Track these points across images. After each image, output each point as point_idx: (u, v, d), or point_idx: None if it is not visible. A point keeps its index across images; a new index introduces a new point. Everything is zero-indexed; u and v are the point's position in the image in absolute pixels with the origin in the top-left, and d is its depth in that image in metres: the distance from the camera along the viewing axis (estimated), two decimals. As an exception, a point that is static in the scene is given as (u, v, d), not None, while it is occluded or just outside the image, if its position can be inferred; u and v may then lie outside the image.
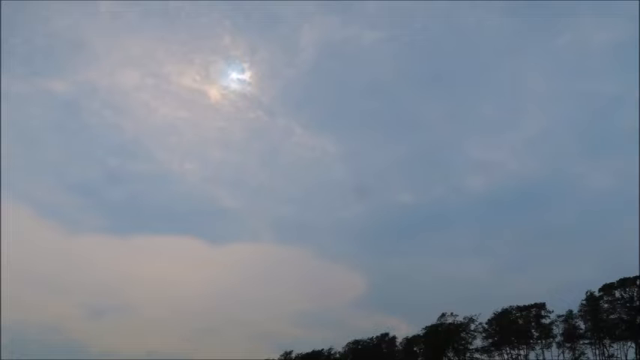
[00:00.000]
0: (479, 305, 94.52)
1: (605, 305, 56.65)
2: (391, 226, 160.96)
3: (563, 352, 60.03)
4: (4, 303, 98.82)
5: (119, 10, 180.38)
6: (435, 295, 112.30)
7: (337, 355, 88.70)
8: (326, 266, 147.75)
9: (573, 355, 59.16)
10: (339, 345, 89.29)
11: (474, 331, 68.63)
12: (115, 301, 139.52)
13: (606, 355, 57.10)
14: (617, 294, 55.71)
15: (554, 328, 61.22)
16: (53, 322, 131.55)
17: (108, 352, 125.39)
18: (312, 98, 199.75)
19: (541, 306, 62.38)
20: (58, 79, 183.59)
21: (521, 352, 64.29)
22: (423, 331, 74.18)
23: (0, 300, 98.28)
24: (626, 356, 55.82)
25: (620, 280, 55.72)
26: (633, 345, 54.83)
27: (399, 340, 79.43)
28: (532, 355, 63.03)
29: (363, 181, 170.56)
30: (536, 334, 62.60)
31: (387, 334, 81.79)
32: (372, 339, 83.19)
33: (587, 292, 58.35)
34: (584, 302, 58.36)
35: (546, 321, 61.93)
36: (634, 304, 54.17)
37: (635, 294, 54.53)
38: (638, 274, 54.88)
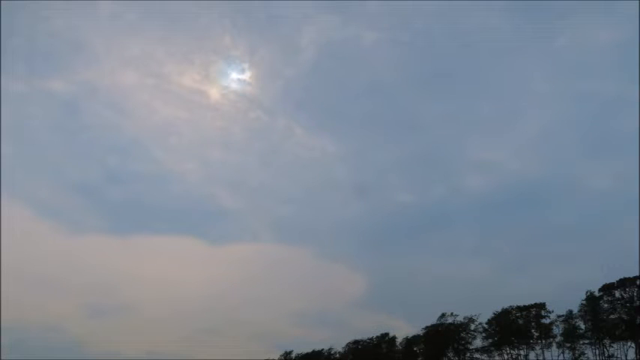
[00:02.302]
0: (479, 305, 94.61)
1: (605, 305, 56.59)
2: (391, 226, 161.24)
3: (563, 352, 59.99)
4: (4, 303, 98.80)
5: (119, 11, 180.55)
6: (435, 295, 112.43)
7: (337, 355, 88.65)
8: (326, 266, 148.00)
9: (573, 355, 59.09)
10: (339, 345, 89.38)
11: (474, 331, 68.62)
12: (115, 301, 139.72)
13: (606, 355, 57.04)
14: (617, 294, 55.66)
15: (554, 328, 61.18)
16: (53, 322, 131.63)
17: (108, 352, 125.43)
18: (312, 98, 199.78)
19: (541, 306, 62.34)
20: (58, 79, 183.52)
21: (521, 352, 64.25)
22: (423, 331, 74.18)
23: (0, 300, 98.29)
24: (626, 356, 55.76)
25: (620, 280, 55.69)
26: (633, 345, 54.76)
27: (399, 340, 79.45)
28: (532, 355, 63.03)
29: (363, 181, 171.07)
30: (536, 334, 62.55)
31: (387, 334, 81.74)
32: (372, 339, 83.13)
33: (587, 292, 58.33)
34: (584, 302, 58.33)
35: (546, 321, 61.89)
36: (634, 304, 54.09)
37: (635, 294, 54.47)
38: (638, 274, 54.82)
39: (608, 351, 57.01)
